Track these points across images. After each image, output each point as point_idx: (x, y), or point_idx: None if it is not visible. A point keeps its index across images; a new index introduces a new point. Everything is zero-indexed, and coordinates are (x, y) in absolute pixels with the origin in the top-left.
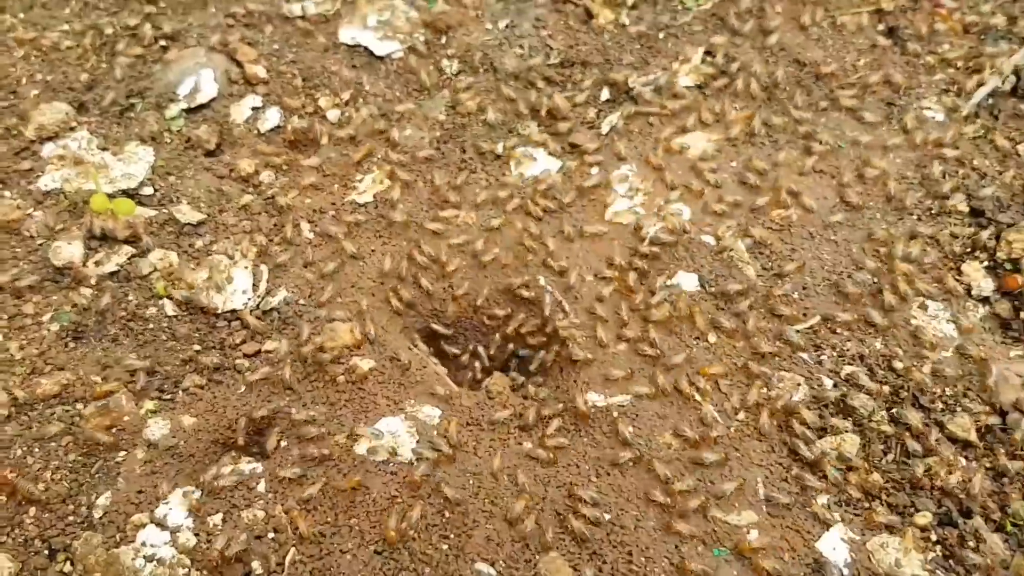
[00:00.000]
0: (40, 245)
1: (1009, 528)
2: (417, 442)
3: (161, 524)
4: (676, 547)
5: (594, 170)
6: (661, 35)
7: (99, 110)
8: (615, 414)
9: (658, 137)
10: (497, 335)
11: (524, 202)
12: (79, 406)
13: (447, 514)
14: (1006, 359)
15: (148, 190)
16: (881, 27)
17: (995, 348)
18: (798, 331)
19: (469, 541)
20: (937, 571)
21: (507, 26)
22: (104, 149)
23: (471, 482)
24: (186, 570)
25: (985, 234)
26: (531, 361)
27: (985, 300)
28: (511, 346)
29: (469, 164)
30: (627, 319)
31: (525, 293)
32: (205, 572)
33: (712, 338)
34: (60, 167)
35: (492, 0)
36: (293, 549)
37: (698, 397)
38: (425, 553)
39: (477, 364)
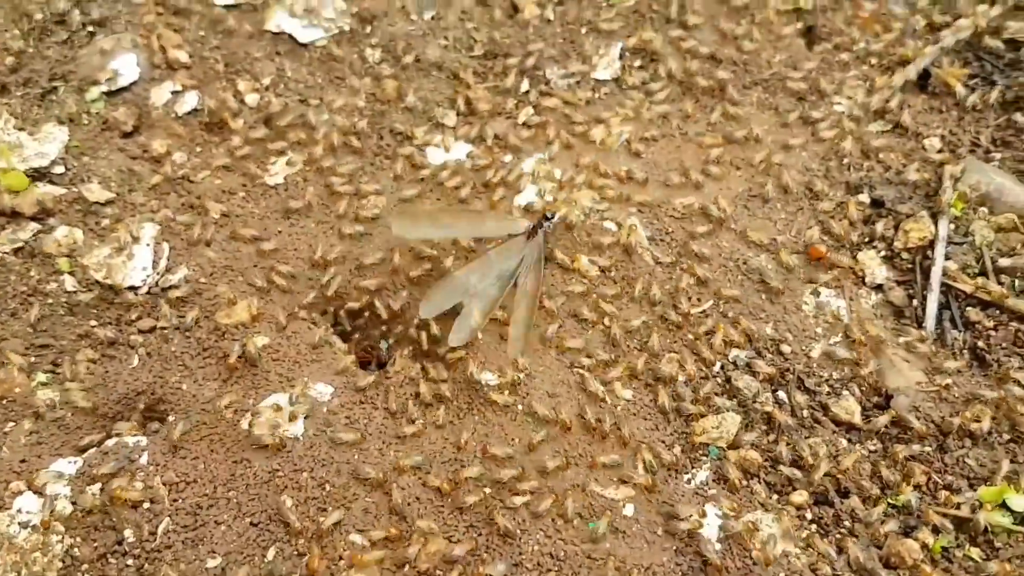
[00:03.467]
0: None
1: (886, 510)
2: (305, 418)
3: (39, 492)
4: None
5: (507, 158)
6: (583, 30)
7: (21, 92)
8: (506, 392)
9: (571, 128)
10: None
11: (436, 188)
12: None
13: (327, 488)
14: (895, 344)
15: (59, 169)
16: (799, 25)
17: (885, 334)
18: (691, 314)
19: (347, 513)
20: (809, 549)
21: (433, 17)
22: (21, 129)
23: (356, 457)
24: (59, 536)
25: (881, 224)
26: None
27: (879, 287)
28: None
29: (385, 150)
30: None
31: (433, 276)
32: (78, 539)
33: (607, 320)
34: None
35: None
36: (167, 519)
37: (588, 376)
38: (301, 526)
39: (381, 345)
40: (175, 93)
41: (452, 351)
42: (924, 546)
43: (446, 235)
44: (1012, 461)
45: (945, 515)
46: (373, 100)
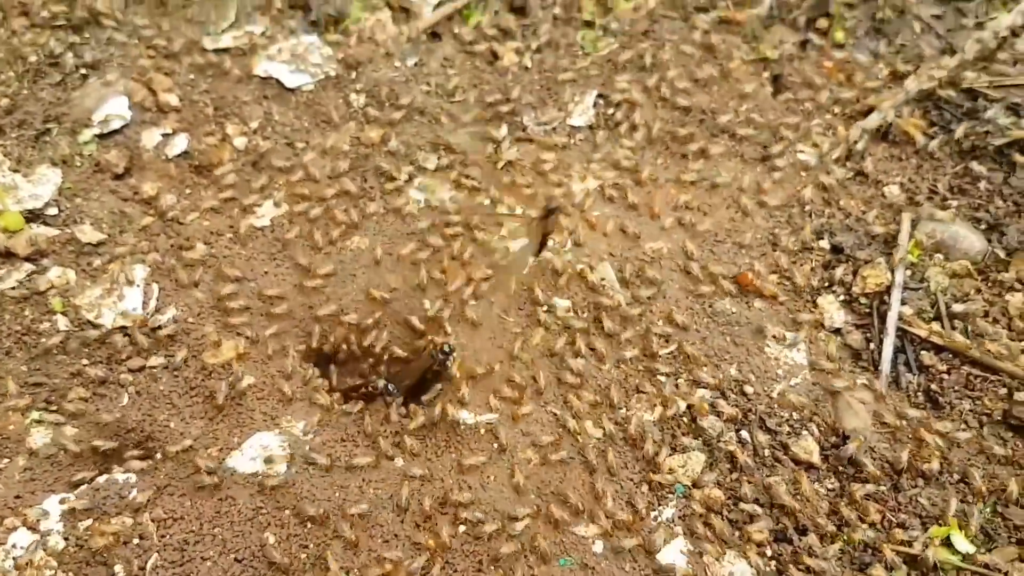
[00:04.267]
0: None
1: (842, 547)
2: (290, 456)
3: (33, 528)
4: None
5: (486, 201)
6: (560, 77)
7: (16, 133)
8: (482, 431)
9: (546, 172)
10: (383, 360)
11: (415, 229)
12: None
13: (309, 525)
14: (852, 387)
15: (53, 210)
16: (766, 74)
17: (843, 376)
18: (659, 355)
19: (328, 550)
20: None
21: (416, 64)
22: (15, 171)
23: (336, 495)
24: (53, 571)
25: (841, 270)
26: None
27: (838, 331)
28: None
29: (369, 192)
30: (508, 343)
31: (415, 320)
32: (70, 574)
33: (580, 361)
34: None
35: (403, 40)
36: (156, 555)
37: (558, 413)
38: (284, 562)
39: (361, 388)
40: (165, 136)
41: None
42: None
43: None
44: (962, 501)
45: (898, 552)
46: (357, 143)
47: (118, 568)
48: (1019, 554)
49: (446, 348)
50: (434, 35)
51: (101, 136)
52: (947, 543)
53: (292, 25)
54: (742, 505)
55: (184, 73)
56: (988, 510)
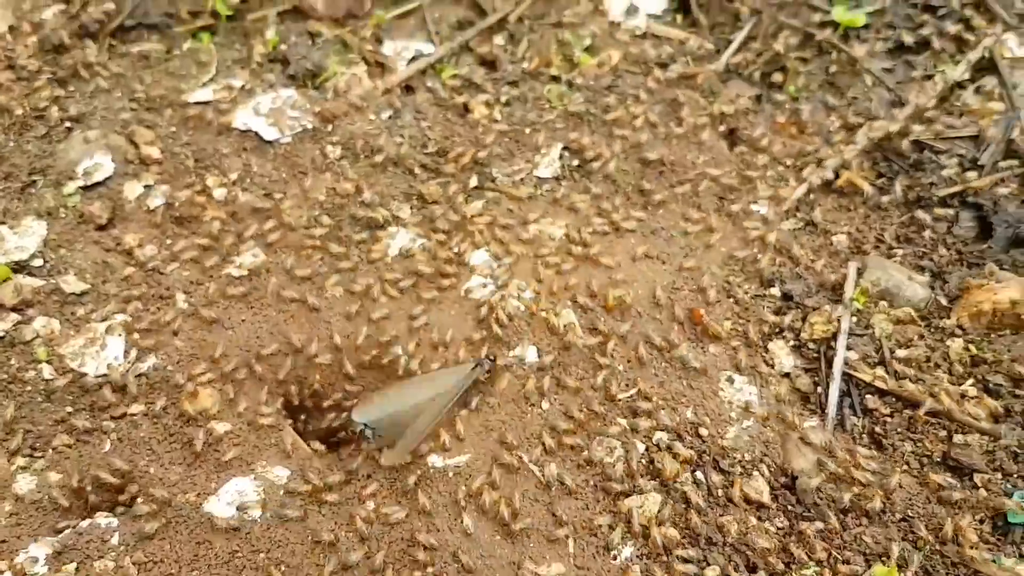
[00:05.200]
0: None
1: None
2: (263, 501)
3: (21, 572)
4: None
5: (455, 249)
6: (527, 130)
7: (2, 186)
8: (450, 474)
9: (514, 223)
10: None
11: (388, 276)
12: None
13: (283, 568)
14: (800, 429)
15: (38, 261)
16: (723, 128)
17: (792, 419)
18: (619, 400)
19: None
20: None
21: (389, 117)
22: (2, 223)
23: (308, 538)
24: None
25: (789, 317)
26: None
27: (787, 375)
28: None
29: (344, 241)
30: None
31: (383, 361)
32: None
33: (545, 404)
34: None
35: (378, 94)
36: None
37: (525, 458)
38: None
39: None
40: (147, 187)
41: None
42: None
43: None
44: (903, 539)
45: None
46: (333, 194)
47: None
48: None
49: (491, 357)
50: (408, 88)
51: (85, 188)
52: None
53: (271, 79)
54: (697, 543)
55: (166, 126)
56: (928, 548)
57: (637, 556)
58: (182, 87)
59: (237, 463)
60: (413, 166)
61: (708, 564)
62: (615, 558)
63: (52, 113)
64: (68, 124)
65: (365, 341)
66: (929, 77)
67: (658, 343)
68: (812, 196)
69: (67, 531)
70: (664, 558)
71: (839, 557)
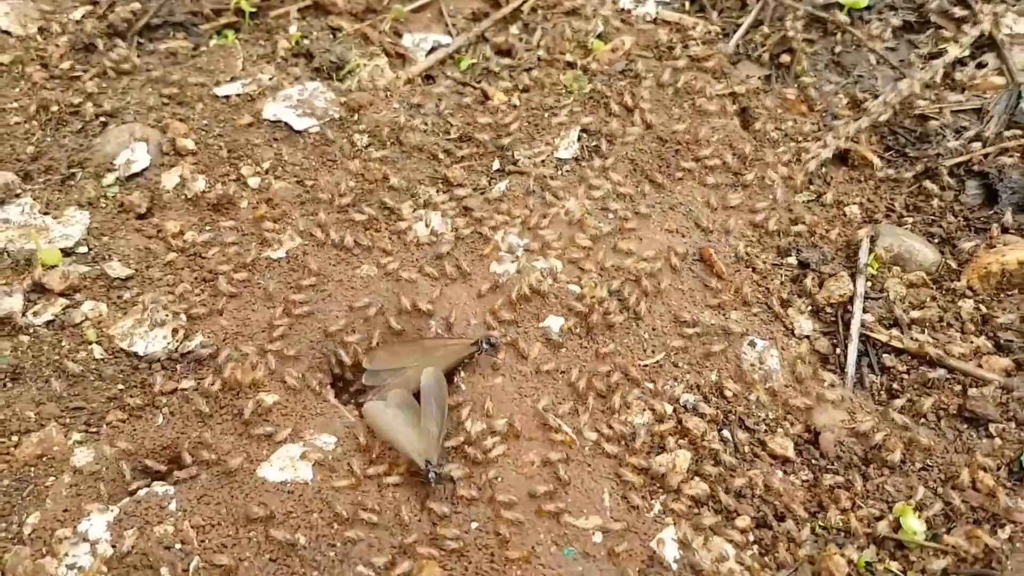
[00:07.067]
0: None
1: (817, 530)
2: (313, 465)
3: (83, 538)
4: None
5: (483, 230)
6: (546, 115)
7: (43, 179)
8: (488, 440)
9: (537, 203)
10: None
11: (418, 256)
12: (14, 438)
13: (335, 526)
14: (821, 387)
15: (83, 249)
16: (735, 107)
17: (813, 378)
18: (646, 365)
19: (354, 548)
20: (753, 565)
21: (412, 106)
22: (46, 213)
23: (359, 498)
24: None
25: (808, 282)
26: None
27: (807, 338)
28: None
29: (374, 224)
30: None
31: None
32: None
33: (575, 372)
34: (5, 230)
35: (400, 84)
36: (197, 558)
37: (559, 421)
38: (314, 560)
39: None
40: (183, 177)
41: None
42: (850, 562)
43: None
44: (924, 486)
45: (867, 534)
46: (362, 180)
47: (164, 571)
48: (973, 532)
49: (492, 340)
50: (429, 78)
51: (124, 179)
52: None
53: (296, 72)
54: (727, 496)
55: (198, 119)
56: (946, 493)
57: (670, 509)
58: (211, 82)
59: (286, 432)
60: (437, 151)
61: (738, 515)
62: (648, 511)
63: (87, 109)
64: (103, 119)
65: (399, 318)
66: (932, 56)
67: (681, 312)
68: (824, 170)
69: (126, 500)
70: (696, 510)
71: (862, 505)
